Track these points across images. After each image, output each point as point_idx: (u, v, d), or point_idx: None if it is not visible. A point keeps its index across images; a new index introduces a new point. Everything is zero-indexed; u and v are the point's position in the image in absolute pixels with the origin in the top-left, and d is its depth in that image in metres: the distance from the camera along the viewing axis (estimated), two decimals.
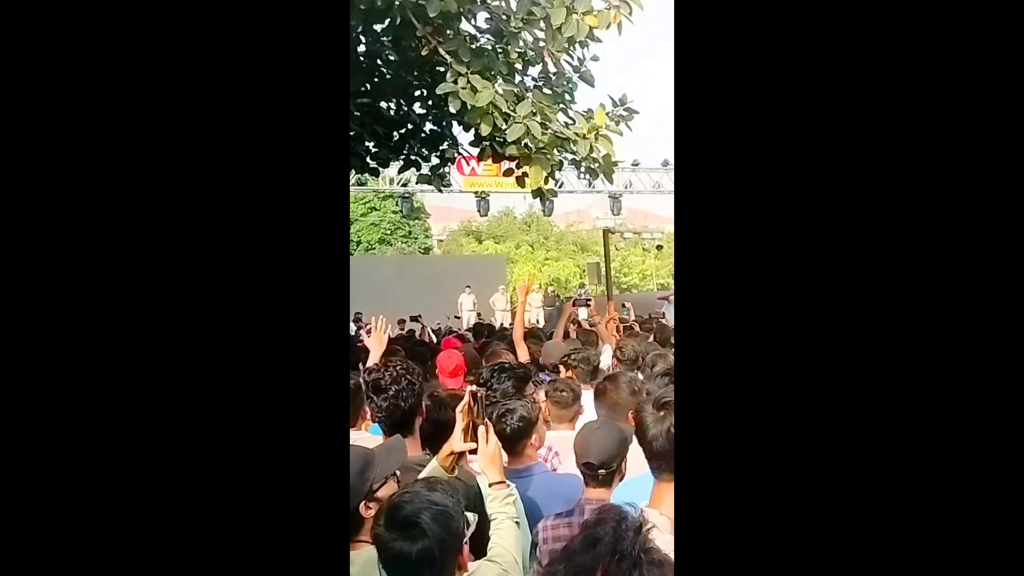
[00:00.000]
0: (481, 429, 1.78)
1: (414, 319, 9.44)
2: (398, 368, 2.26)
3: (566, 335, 4.87)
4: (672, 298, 10.69)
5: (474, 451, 1.81)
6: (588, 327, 4.97)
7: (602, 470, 2.04)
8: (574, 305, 5.11)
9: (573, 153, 3.89)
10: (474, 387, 1.87)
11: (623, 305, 8.24)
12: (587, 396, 2.86)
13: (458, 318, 13.93)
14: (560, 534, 2.00)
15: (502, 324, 12.02)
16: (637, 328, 5.82)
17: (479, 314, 14.14)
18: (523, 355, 3.95)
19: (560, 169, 4.54)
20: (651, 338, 4.91)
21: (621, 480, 2.14)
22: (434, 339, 7.57)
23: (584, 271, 22.90)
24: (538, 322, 13.67)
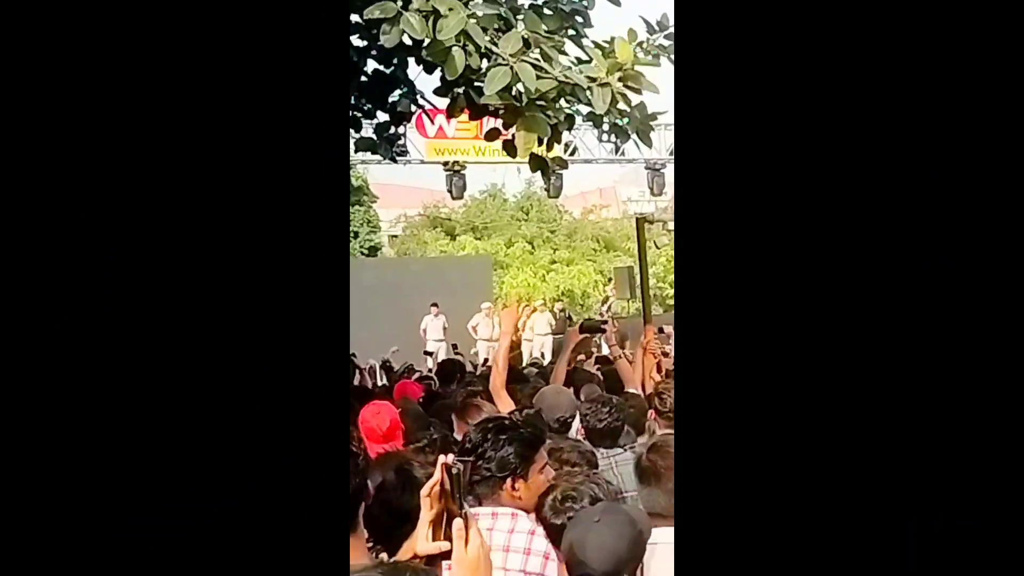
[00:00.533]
0: (458, 523, 1.13)
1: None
2: None
3: (574, 375, 3.55)
4: None
5: (447, 555, 1.14)
6: (613, 359, 3.43)
7: None
8: (582, 331, 3.64)
9: (588, 105, 2.50)
10: (449, 458, 1.21)
11: (661, 330, 5.34)
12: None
13: (428, 353, 9.35)
14: None
15: (486, 360, 8.50)
16: None
17: (454, 346, 9.52)
18: (504, 409, 2.75)
19: (571, 129, 2.99)
20: None
21: None
22: (381, 383, 5.45)
23: (610, 280, 16.00)
24: (543, 355, 10.29)
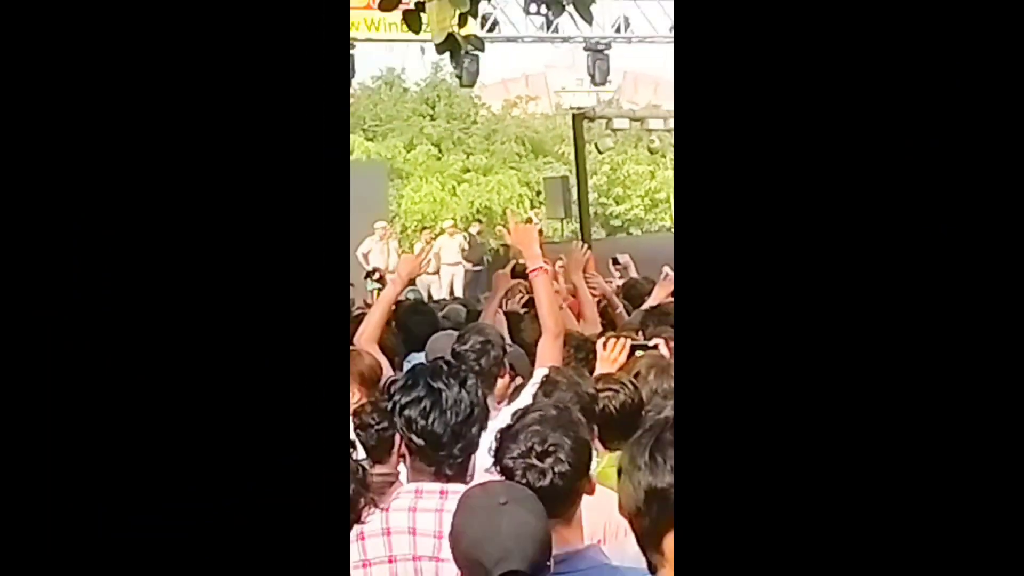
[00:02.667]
0: None
1: None
2: None
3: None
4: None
5: None
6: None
7: None
8: (514, 276, 2.87)
9: None
10: None
11: (614, 260, 4.46)
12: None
13: None
14: None
15: (377, 294, 6.19)
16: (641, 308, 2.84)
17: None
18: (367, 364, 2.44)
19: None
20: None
21: None
22: None
23: (539, 193, 13.06)
24: (452, 291, 8.60)
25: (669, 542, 1.07)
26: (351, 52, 7.56)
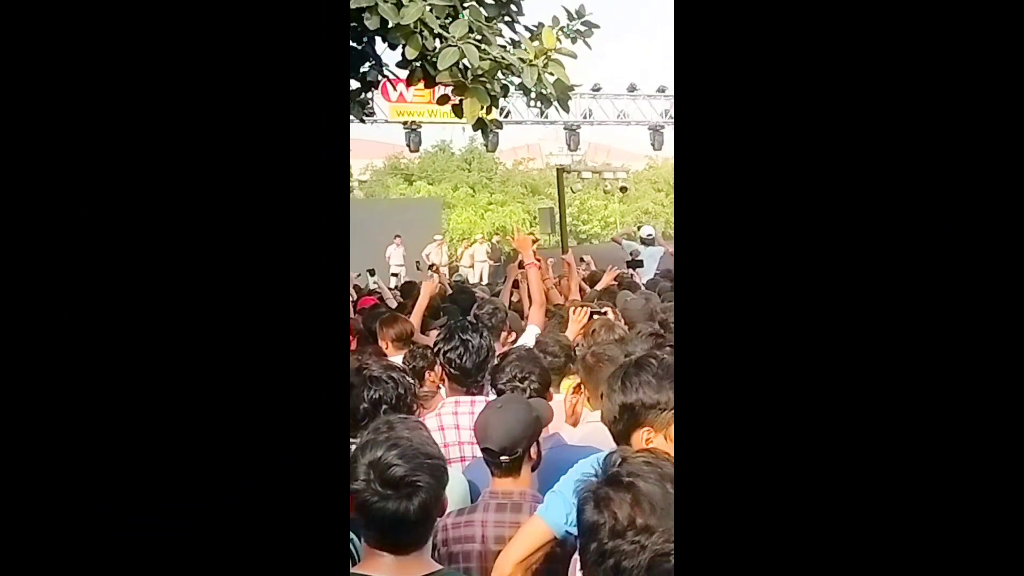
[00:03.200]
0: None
1: None
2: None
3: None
4: (632, 239, 9.26)
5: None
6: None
7: (504, 456, 1.82)
8: (520, 267, 4.08)
9: (519, 78, 3.32)
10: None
11: (581, 259, 6.85)
12: None
13: (395, 275, 12.01)
14: (461, 534, 1.84)
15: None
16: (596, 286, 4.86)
17: (417, 264, 12.02)
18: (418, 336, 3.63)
19: (505, 96, 3.87)
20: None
21: (536, 468, 1.90)
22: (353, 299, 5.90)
23: (535, 218, 20.32)
24: (482, 278, 13.11)
25: (636, 439, 1.63)
26: (419, 129, 12.97)
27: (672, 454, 1.35)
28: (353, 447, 1.41)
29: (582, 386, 2.48)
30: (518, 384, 2.31)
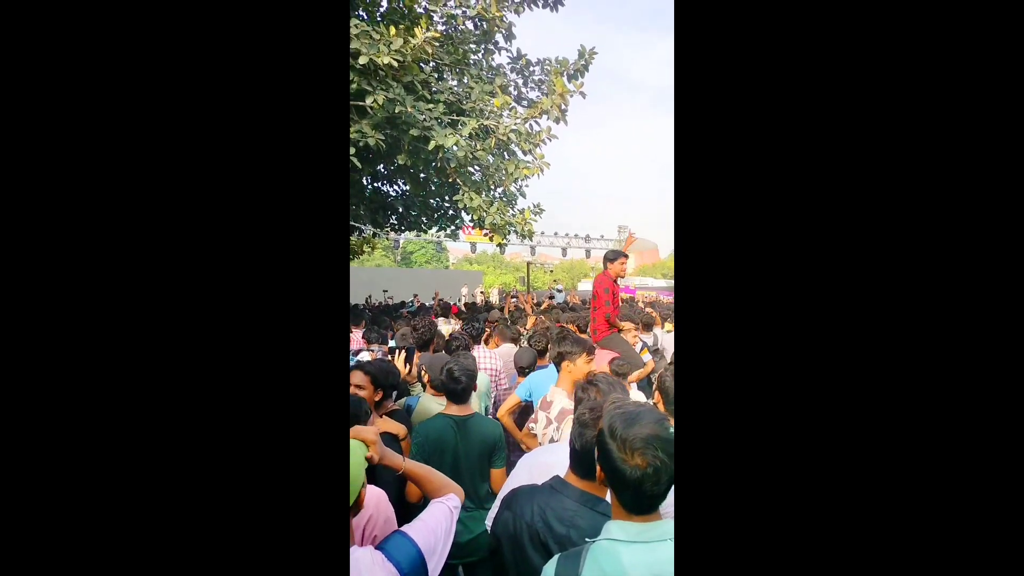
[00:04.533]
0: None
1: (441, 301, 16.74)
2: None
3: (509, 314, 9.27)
4: (558, 288, 19.55)
5: None
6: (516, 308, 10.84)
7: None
8: (512, 297, 11.63)
9: (515, 228, 7.03)
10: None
11: (551, 296, 16.88)
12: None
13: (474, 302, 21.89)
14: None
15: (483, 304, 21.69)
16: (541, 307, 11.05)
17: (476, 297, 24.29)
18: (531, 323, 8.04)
19: (508, 235, 7.52)
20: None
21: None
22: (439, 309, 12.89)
23: (518, 280, 42.95)
24: (496, 302, 22.85)
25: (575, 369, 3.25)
26: (475, 244, 26.12)
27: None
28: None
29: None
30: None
